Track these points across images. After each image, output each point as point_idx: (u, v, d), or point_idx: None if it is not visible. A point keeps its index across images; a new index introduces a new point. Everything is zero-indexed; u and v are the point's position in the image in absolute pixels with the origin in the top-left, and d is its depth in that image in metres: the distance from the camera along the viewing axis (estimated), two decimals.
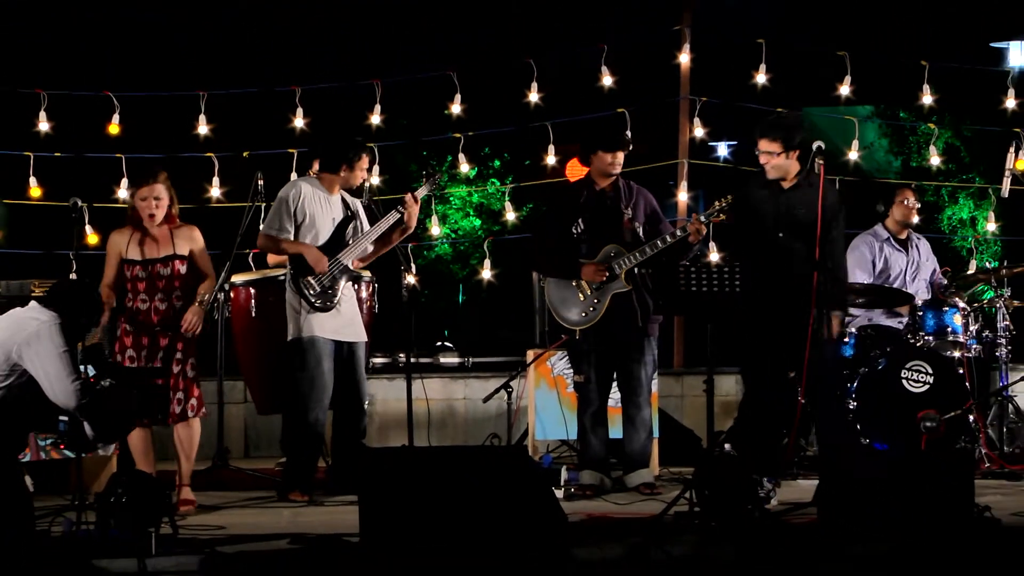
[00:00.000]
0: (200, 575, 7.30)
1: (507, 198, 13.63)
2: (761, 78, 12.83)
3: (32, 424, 8.27)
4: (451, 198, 17.59)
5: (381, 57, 16.62)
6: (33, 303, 8.14)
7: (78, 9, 16.61)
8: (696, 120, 12.83)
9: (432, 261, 17.82)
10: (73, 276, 11.50)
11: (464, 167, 13.09)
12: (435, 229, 13.64)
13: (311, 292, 9.70)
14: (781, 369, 9.50)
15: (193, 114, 12.72)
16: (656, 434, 10.53)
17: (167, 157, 12.52)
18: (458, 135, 12.96)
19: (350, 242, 9.87)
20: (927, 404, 10.66)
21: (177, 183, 9.64)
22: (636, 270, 9.84)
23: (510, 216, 13.55)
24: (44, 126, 12.55)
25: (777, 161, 9.61)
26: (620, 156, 9.96)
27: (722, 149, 21.46)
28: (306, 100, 12.80)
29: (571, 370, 10.17)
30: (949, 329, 11.04)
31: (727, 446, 10.34)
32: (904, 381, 10.74)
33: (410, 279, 10.68)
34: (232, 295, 10.43)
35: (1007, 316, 11.18)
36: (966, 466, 8.27)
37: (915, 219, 11.53)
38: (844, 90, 12.88)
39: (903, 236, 11.47)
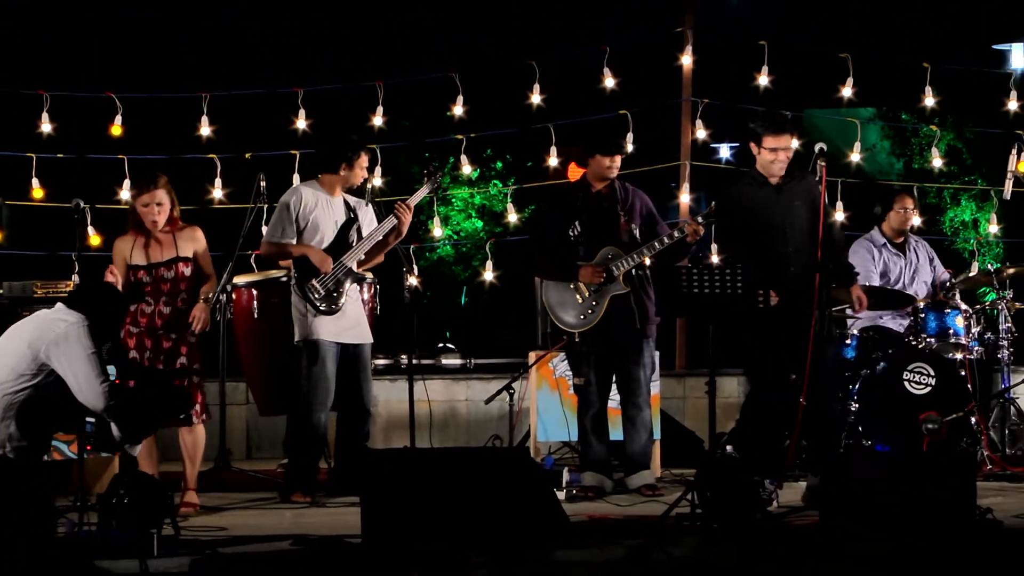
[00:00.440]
0: None
1: (509, 200, 13.63)
2: (763, 80, 12.84)
3: (58, 424, 8.32)
4: (453, 199, 17.58)
5: (383, 58, 16.62)
6: (60, 305, 8.19)
7: (80, 10, 16.61)
8: (698, 122, 12.84)
9: (434, 263, 17.82)
10: (76, 277, 11.49)
11: (466, 169, 13.09)
12: (437, 231, 13.64)
13: (316, 296, 9.71)
14: (783, 370, 9.49)
15: (195, 115, 12.72)
16: (658, 436, 10.54)
17: (169, 158, 12.52)
18: (460, 137, 12.97)
19: (353, 244, 9.88)
20: (929, 406, 10.67)
21: (179, 184, 9.64)
22: (634, 272, 9.85)
23: (512, 218, 13.55)
24: (46, 127, 12.56)
25: (786, 159, 9.56)
26: (618, 160, 9.97)
27: (724, 151, 21.45)
28: (308, 101, 12.80)
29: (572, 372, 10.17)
30: (951, 331, 11.05)
31: (729, 448, 10.34)
32: (906, 383, 10.75)
33: (412, 280, 10.70)
34: (234, 297, 10.43)
35: (1009, 318, 11.18)
36: (968, 468, 8.26)
37: (911, 225, 11.54)
38: (846, 92, 12.88)
39: (899, 240, 11.48)
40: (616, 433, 10.11)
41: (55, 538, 7.58)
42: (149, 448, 9.35)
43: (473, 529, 7.66)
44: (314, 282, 9.73)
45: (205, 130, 12.70)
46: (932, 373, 10.75)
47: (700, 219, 9.85)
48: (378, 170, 12.44)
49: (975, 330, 11.13)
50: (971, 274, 12.04)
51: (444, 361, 12.94)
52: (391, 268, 10.30)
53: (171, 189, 9.52)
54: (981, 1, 18.71)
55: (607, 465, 10.05)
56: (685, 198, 12.93)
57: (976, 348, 11.14)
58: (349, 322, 9.82)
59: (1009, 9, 18.36)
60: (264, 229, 10.75)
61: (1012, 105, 13.14)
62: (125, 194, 12.49)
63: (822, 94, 13.19)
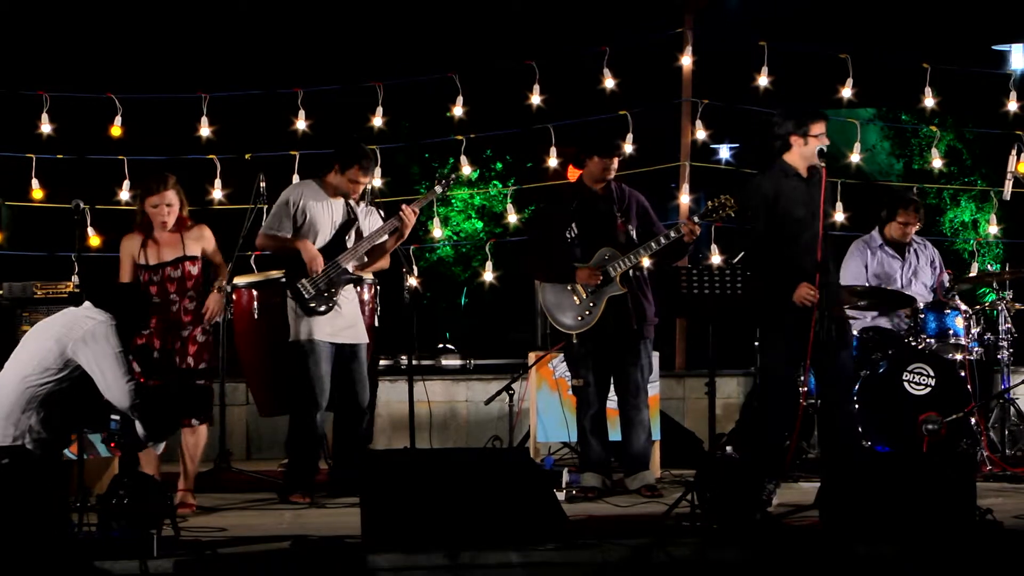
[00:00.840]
0: None
1: (509, 200, 13.64)
2: (763, 80, 12.85)
3: (82, 421, 8.39)
4: (453, 200, 17.57)
5: (383, 59, 16.61)
6: (87, 303, 8.28)
7: (80, 10, 16.60)
8: (698, 122, 12.85)
9: (434, 263, 17.81)
10: (75, 278, 11.49)
11: (466, 169, 13.09)
12: (437, 231, 13.65)
13: (306, 294, 9.72)
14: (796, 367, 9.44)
15: (195, 116, 12.73)
16: (657, 436, 10.54)
17: (169, 159, 12.53)
18: (460, 137, 12.97)
19: (350, 246, 9.88)
20: (929, 406, 10.69)
21: (179, 185, 9.64)
22: (631, 273, 9.85)
23: (512, 218, 13.56)
24: (46, 128, 12.58)
25: (827, 143, 9.51)
26: (615, 162, 9.98)
27: (724, 152, 21.45)
28: (308, 102, 12.81)
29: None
30: (951, 332, 11.06)
31: (729, 448, 10.35)
32: (906, 383, 10.76)
33: (412, 281, 10.70)
34: (234, 297, 10.43)
35: (1008, 319, 11.19)
36: (968, 469, 8.26)
37: (910, 238, 11.54)
38: (846, 92, 12.89)
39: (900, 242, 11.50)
40: (615, 434, 10.11)
41: (69, 530, 7.60)
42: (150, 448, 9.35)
43: (473, 530, 7.66)
44: (304, 281, 9.73)
45: (205, 131, 12.72)
46: (932, 374, 10.76)
47: (697, 219, 9.86)
48: (378, 171, 12.44)
49: (975, 331, 11.13)
50: (971, 275, 12.03)
51: (444, 362, 12.95)
52: (391, 269, 10.30)
53: (180, 189, 9.53)
54: (981, 1, 18.70)
55: (607, 466, 10.06)
56: (685, 199, 12.94)
57: (976, 349, 11.15)
58: (345, 322, 9.82)
59: (1009, 10, 18.36)
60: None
61: (1012, 106, 13.15)
62: (125, 195, 12.51)
63: (822, 95, 13.18)
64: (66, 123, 12.62)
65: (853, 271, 11.36)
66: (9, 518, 7.37)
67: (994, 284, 11.40)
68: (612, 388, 10.04)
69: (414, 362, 10.43)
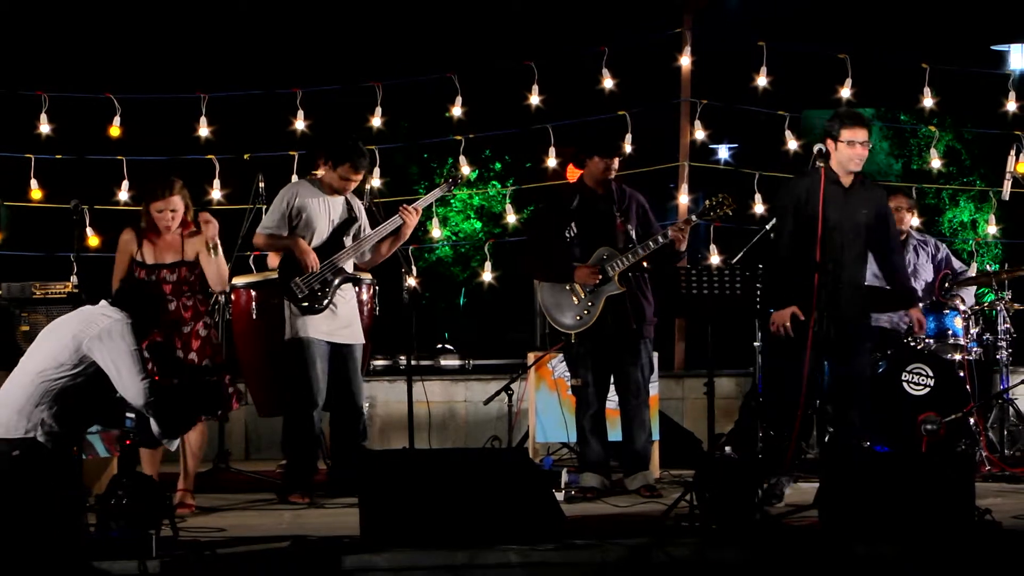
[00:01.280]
0: None
1: (508, 200, 13.64)
2: (762, 81, 12.85)
3: (97, 418, 8.48)
4: (452, 200, 17.59)
5: (382, 59, 16.61)
6: (104, 302, 8.34)
7: (78, 10, 16.60)
8: (697, 123, 12.85)
9: (433, 263, 17.82)
10: (74, 278, 11.50)
11: (465, 169, 13.10)
12: (436, 231, 13.65)
13: (299, 294, 9.71)
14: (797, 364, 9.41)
15: (194, 116, 12.73)
16: (656, 436, 10.54)
17: (168, 159, 12.53)
18: (459, 137, 12.97)
19: (348, 245, 9.87)
20: (928, 407, 10.69)
21: (181, 180, 9.62)
22: (630, 272, 9.85)
23: (511, 219, 13.56)
24: (45, 128, 12.58)
25: (865, 152, 9.40)
26: (615, 162, 9.96)
27: (723, 152, 21.46)
28: (307, 102, 12.81)
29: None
30: (950, 332, 11.06)
31: (728, 448, 10.34)
32: (905, 384, 10.76)
33: (411, 281, 10.70)
34: (233, 297, 10.43)
35: (1008, 319, 11.18)
36: (967, 469, 8.26)
37: (908, 224, 11.51)
38: (845, 92, 12.88)
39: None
40: (615, 434, 10.11)
41: (83, 524, 7.62)
42: (151, 450, 9.34)
43: (472, 530, 7.66)
44: (297, 280, 9.73)
45: (203, 131, 12.73)
46: (931, 374, 10.76)
47: (695, 217, 9.86)
48: (376, 171, 12.45)
49: (974, 331, 11.13)
50: (970, 275, 12.00)
51: (443, 362, 12.95)
52: (390, 269, 10.30)
53: (186, 194, 9.50)
54: (980, 2, 18.71)
55: (606, 466, 10.05)
56: (684, 199, 12.94)
57: (975, 349, 11.15)
58: (341, 322, 9.81)
59: (1008, 10, 18.36)
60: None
61: (1011, 106, 13.14)
62: (124, 195, 12.51)
63: (821, 95, 13.19)
64: (65, 123, 12.62)
65: None
66: (19, 509, 7.40)
67: (993, 284, 11.38)
68: (612, 388, 10.04)
69: (413, 362, 10.42)
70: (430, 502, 7.73)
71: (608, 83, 12.82)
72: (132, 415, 8.21)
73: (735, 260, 11.06)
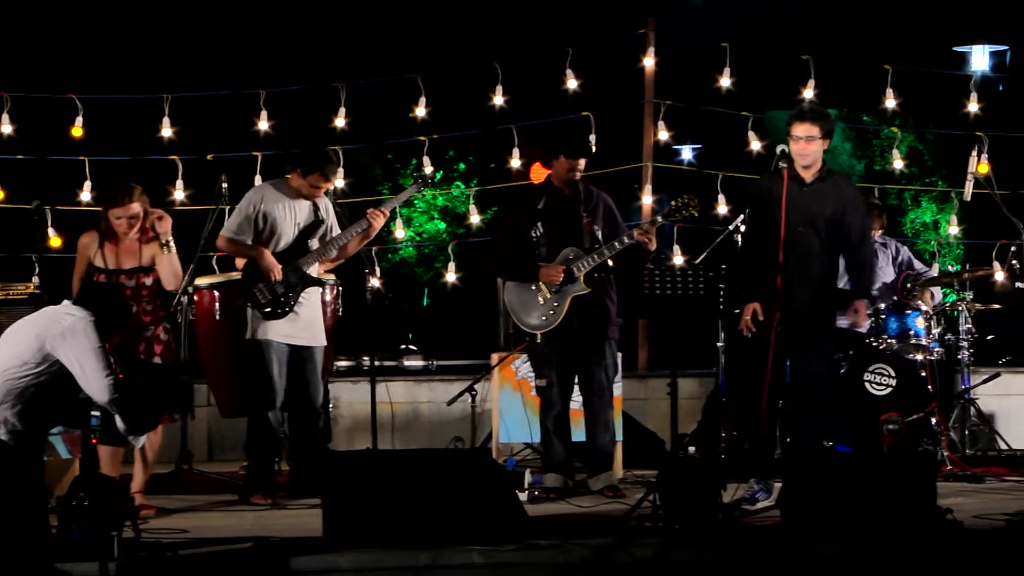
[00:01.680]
0: None
1: (472, 201, 13.64)
2: (725, 81, 12.88)
3: (62, 417, 8.46)
4: (416, 201, 17.55)
5: (346, 60, 16.58)
6: (66, 302, 8.32)
7: (41, 10, 16.53)
8: (660, 123, 12.87)
9: (396, 264, 17.78)
10: (36, 279, 11.44)
11: (428, 170, 13.08)
12: (400, 232, 13.64)
13: (262, 299, 9.70)
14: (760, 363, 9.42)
15: (157, 117, 12.69)
16: (620, 437, 10.54)
17: (131, 160, 12.49)
18: (423, 138, 12.97)
19: (313, 248, 9.85)
20: (890, 407, 10.72)
21: (141, 186, 9.59)
22: (596, 273, 9.85)
23: (475, 219, 13.55)
24: (6, 128, 12.52)
25: (814, 147, 9.36)
26: (582, 162, 9.97)
27: (686, 152, 21.47)
28: (271, 103, 12.79)
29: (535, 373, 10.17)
30: (912, 332, 11.09)
31: (691, 449, 10.35)
32: (867, 384, 10.80)
33: (374, 282, 10.68)
34: (196, 298, 10.40)
35: (969, 319, 11.24)
36: (928, 468, 8.29)
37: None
38: (808, 93, 12.91)
39: None
40: (578, 434, 10.11)
41: (46, 524, 7.59)
42: (114, 450, 9.30)
43: (435, 530, 7.66)
44: (261, 286, 9.71)
45: (167, 131, 12.69)
46: (893, 374, 10.80)
47: (660, 218, 9.88)
48: (340, 171, 12.42)
49: (936, 331, 11.18)
50: (931, 276, 12.03)
51: (406, 362, 12.93)
52: (353, 270, 10.28)
53: (146, 200, 9.48)
54: (942, 3, 18.78)
55: (569, 466, 10.06)
56: (647, 199, 12.95)
57: (937, 349, 11.19)
58: (302, 324, 9.80)
59: (969, 11, 18.43)
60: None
61: (972, 107, 13.20)
62: (86, 195, 12.46)
63: (784, 96, 13.22)
64: (27, 123, 12.56)
65: None
66: None
67: (955, 285, 11.43)
68: (576, 389, 10.04)
69: (376, 363, 10.41)
70: (393, 503, 7.73)
71: (572, 84, 12.83)
72: (97, 413, 8.19)
73: (698, 261, 11.06)
